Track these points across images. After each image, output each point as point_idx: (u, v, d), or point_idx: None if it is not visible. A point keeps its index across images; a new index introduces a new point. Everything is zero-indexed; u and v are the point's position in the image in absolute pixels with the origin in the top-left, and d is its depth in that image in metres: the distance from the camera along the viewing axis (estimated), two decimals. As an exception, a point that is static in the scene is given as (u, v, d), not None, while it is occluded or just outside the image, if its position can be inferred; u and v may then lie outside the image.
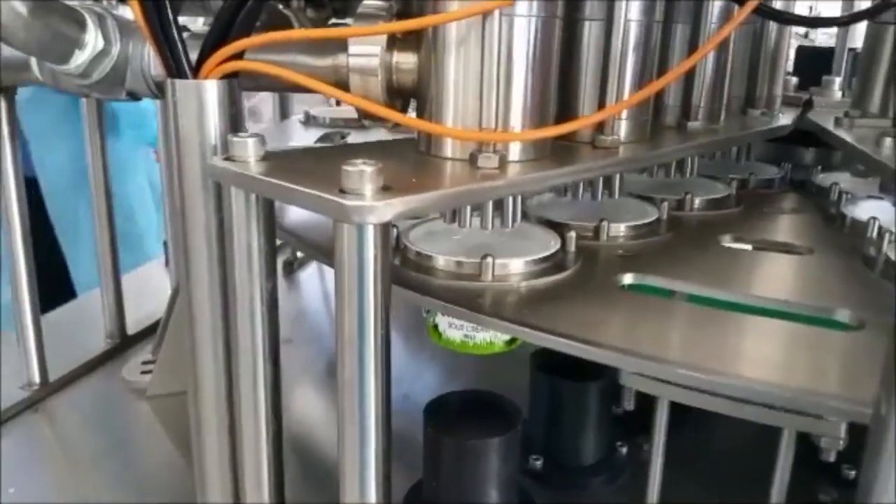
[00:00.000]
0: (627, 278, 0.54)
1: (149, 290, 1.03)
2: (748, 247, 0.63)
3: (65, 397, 0.82)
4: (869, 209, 0.70)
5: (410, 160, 0.50)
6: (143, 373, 0.85)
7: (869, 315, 0.47)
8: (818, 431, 0.43)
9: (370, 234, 0.39)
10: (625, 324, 0.47)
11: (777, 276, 0.58)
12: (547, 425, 0.68)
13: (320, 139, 0.83)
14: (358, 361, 0.41)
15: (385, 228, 0.39)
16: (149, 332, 0.94)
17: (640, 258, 0.58)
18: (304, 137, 0.89)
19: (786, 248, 0.62)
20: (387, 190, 0.39)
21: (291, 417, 0.74)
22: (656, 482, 0.53)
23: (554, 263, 0.54)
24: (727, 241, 0.64)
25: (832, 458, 0.55)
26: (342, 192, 0.39)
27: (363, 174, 0.38)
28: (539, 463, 0.68)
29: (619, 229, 0.62)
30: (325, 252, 0.54)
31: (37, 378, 0.82)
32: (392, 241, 0.55)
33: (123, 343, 0.92)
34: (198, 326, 0.51)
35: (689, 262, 0.58)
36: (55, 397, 0.82)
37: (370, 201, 0.38)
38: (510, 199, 0.49)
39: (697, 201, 0.72)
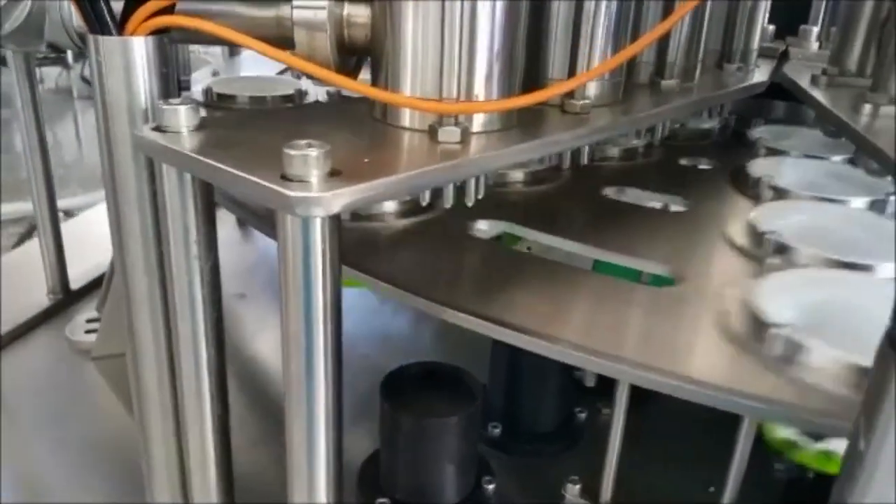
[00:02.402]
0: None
1: (94, 237, 0.98)
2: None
3: (5, 358, 0.78)
4: (771, 167, 0.66)
5: (365, 131, 0.45)
6: (88, 332, 0.81)
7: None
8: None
9: (317, 227, 0.35)
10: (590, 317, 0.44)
11: (629, 232, 0.55)
12: (506, 393, 0.66)
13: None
14: (305, 364, 0.38)
15: (334, 220, 0.36)
16: (94, 286, 0.90)
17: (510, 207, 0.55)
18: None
19: (664, 205, 0.60)
20: (335, 175, 0.35)
21: (253, 374, 0.73)
22: (615, 448, 0.52)
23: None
24: (610, 193, 0.61)
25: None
26: (285, 178, 0.34)
27: (307, 159, 0.34)
28: (497, 431, 0.67)
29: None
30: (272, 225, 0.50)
31: (-27, 339, 0.78)
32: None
33: (67, 299, 0.87)
34: (135, 309, 0.47)
35: (555, 211, 0.56)
36: (-6, 358, 0.78)
37: (316, 191, 0.34)
38: (472, 180, 0.45)
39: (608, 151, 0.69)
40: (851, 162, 0.69)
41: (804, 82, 0.73)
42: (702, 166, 0.73)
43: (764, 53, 0.85)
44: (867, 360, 0.28)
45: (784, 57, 0.88)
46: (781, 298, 0.41)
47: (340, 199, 0.34)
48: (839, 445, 0.40)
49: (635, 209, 0.61)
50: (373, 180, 0.36)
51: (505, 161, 0.44)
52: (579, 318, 0.44)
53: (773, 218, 0.51)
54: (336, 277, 0.37)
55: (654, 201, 0.61)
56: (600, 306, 0.45)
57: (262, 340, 0.79)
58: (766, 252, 0.49)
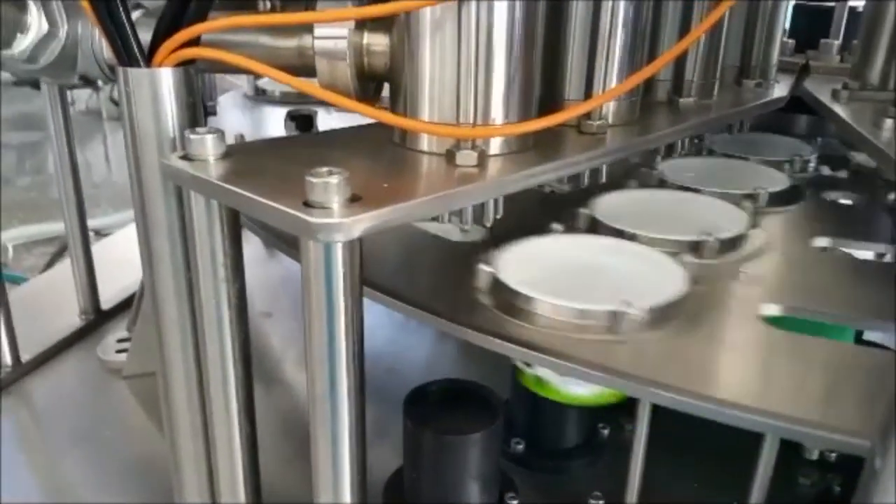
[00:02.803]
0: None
1: (124, 257, 1.00)
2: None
3: (38, 379, 0.80)
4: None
5: (384, 155, 0.47)
6: (119, 351, 0.83)
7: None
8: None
9: (338, 252, 0.36)
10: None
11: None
12: (529, 408, 0.67)
13: (289, 118, 0.79)
14: (329, 384, 0.39)
15: (355, 244, 0.37)
16: (125, 305, 0.92)
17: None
18: (260, 118, 0.85)
19: None
20: (356, 201, 0.36)
21: (279, 395, 0.74)
22: (638, 465, 0.52)
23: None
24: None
25: (814, 455, 0.55)
26: (307, 204, 0.36)
27: (328, 186, 0.35)
28: (521, 447, 0.67)
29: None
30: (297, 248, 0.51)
31: (8, 359, 0.80)
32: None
33: (98, 319, 0.89)
34: (166, 331, 0.48)
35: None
36: (28, 379, 0.80)
37: (337, 217, 0.35)
38: (490, 202, 0.45)
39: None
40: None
41: (825, 97, 0.73)
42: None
43: (784, 68, 0.85)
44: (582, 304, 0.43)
45: (804, 71, 0.88)
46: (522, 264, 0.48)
47: (360, 224, 0.35)
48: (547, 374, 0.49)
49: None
50: (392, 205, 0.37)
51: (522, 184, 0.45)
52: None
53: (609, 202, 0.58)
54: (357, 299, 0.38)
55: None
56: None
57: (288, 359, 0.81)
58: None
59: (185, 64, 0.44)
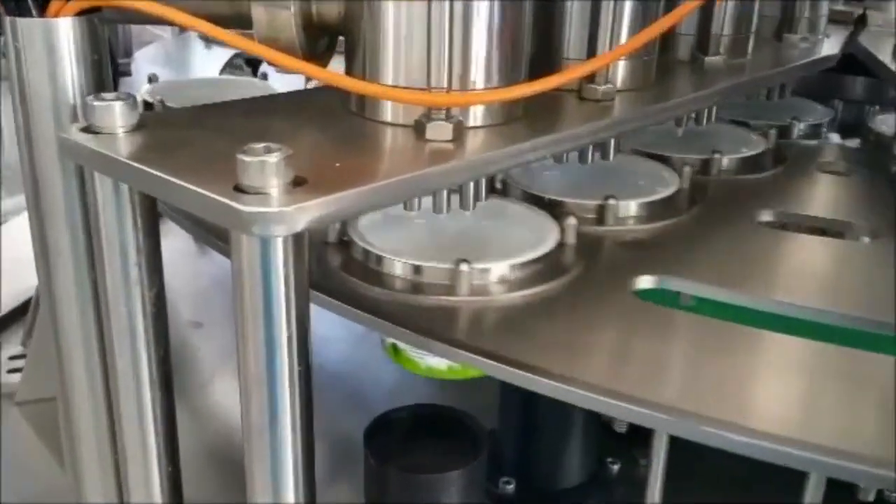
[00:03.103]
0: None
1: (23, 253, 0.99)
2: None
3: None
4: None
5: (337, 128, 0.46)
6: (12, 371, 0.82)
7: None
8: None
9: (278, 249, 0.36)
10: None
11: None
12: (521, 440, 0.67)
13: (226, 69, 0.79)
14: (268, 411, 0.39)
15: (299, 239, 0.37)
16: (19, 314, 0.91)
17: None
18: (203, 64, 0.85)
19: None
20: (300, 185, 0.36)
21: (208, 426, 0.74)
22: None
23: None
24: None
25: (871, 497, 0.56)
26: (239, 189, 0.36)
27: (265, 166, 0.35)
28: (511, 487, 0.67)
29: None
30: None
31: None
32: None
33: (-12, 329, 0.89)
34: (66, 347, 0.48)
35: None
36: None
37: (276, 205, 0.35)
38: (471, 184, 0.46)
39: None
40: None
41: (884, 55, 0.73)
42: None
43: (835, 19, 0.86)
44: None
45: (860, 23, 0.89)
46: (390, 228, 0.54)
47: (306, 214, 0.35)
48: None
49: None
50: (346, 190, 0.37)
51: (508, 162, 0.45)
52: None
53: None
54: (303, 306, 0.38)
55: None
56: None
57: (222, 380, 0.80)
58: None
59: (87, 13, 0.44)
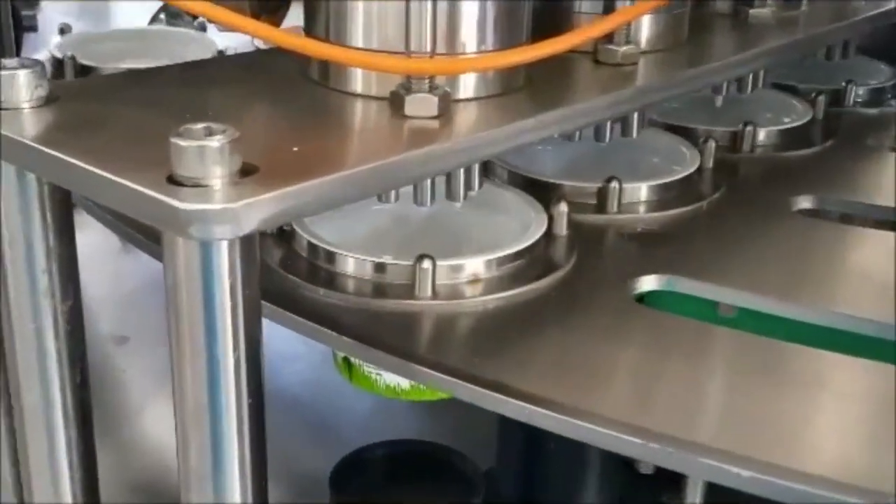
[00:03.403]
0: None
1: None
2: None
3: None
4: None
5: (294, 100, 0.47)
6: None
7: None
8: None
9: (222, 255, 0.36)
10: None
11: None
12: (524, 482, 0.68)
13: (158, 19, 0.78)
14: (210, 450, 0.39)
15: (248, 242, 0.37)
16: None
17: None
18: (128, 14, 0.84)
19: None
20: (250, 174, 0.36)
21: (137, 464, 0.74)
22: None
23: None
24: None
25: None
26: (173, 181, 0.36)
27: (206, 152, 0.35)
28: (512, 538, 0.68)
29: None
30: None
31: None
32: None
33: None
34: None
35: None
36: None
37: (220, 202, 0.34)
38: (461, 171, 0.46)
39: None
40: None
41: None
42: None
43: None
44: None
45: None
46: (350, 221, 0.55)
47: (257, 211, 0.35)
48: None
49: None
50: (306, 180, 0.37)
51: (508, 143, 0.45)
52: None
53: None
54: (254, 325, 0.38)
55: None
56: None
57: (155, 407, 0.81)
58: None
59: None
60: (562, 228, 0.55)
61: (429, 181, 0.46)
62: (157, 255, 0.50)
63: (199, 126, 0.36)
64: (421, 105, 0.44)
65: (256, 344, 0.39)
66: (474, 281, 0.50)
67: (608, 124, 0.55)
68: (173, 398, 0.39)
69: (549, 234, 0.54)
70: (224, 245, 0.36)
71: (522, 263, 0.52)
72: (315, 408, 0.82)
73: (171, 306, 0.37)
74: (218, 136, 0.35)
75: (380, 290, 0.49)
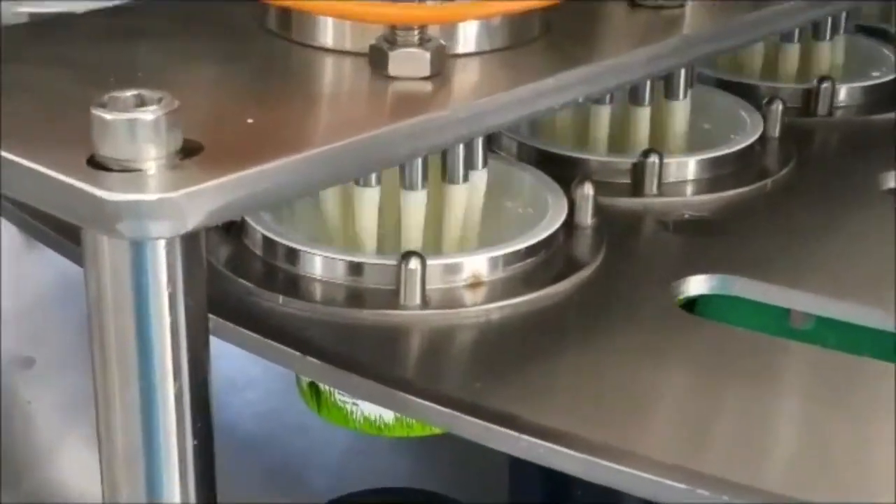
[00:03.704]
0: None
1: None
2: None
3: None
4: None
5: (249, 57, 0.47)
6: None
7: None
8: None
9: (159, 258, 0.36)
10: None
11: None
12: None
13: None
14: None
15: (192, 242, 0.37)
16: None
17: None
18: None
19: None
20: (193, 155, 0.37)
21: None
22: None
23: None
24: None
25: None
26: (95, 163, 0.36)
27: (137, 126, 0.35)
28: None
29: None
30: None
31: None
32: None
33: None
34: None
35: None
36: None
37: (155, 191, 0.35)
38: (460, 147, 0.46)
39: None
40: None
41: None
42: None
43: None
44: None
45: None
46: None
47: (203, 202, 0.35)
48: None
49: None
50: (265, 162, 0.37)
51: (521, 110, 0.46)
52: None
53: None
54: (199, 343, 0.39)
55: None
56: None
57: (71, 451, 0.81)
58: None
59: None
60: (586, 216, 0.55)
61: (420, 160, 0.46)
62: (76, 258, 0.50)
63: (128, 94, 0.36)
64: (409, 63, 0.44)
65: (203, 369, 0.39)
66: (475, 284, 0.50)
67: (647, 84, 0.55)
68: (98, 438, 0.39)
69: (570, 224, 0.55)
70: (161, 245, 0.36)
71: (537, 261, 0.52)
72: (274, 449, 0.82)
73: (93, 322, 0.38)
74: (152, 107, 0.36)
75: (356, 298, 0.49)
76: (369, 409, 0.55)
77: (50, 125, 0.39)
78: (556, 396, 0.45)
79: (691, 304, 0.53)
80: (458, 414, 0.42)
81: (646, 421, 0.44)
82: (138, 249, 0.36)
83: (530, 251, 0.52)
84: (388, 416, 0.55)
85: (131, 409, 0.38)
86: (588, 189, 0.55)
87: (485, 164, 0.50)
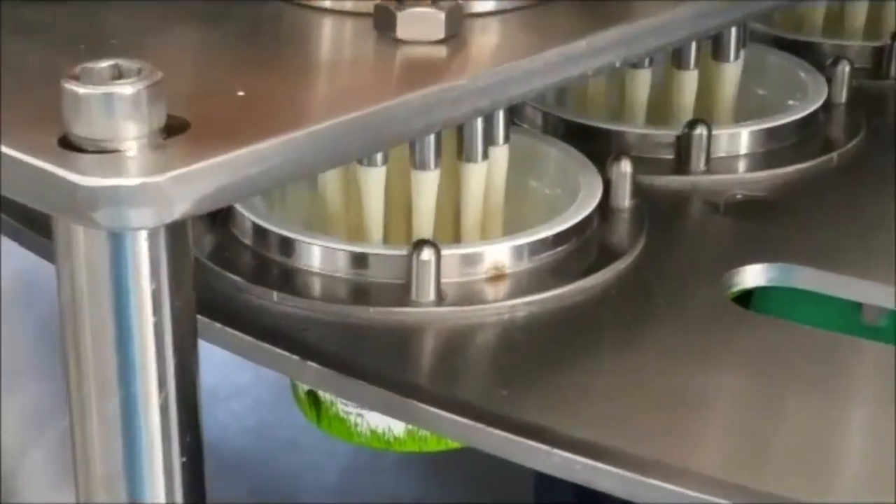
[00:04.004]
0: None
1: None
2: None
3: None
4: None
5: (237, 18, 0.48)
6: None
7: None
8: None
9: (141, 252, 0.37)
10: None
11: None
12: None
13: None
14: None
15: (176, 232, 0.38)
16: None
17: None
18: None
19: None
20: (178, 133, 0.37)
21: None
22: None
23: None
24: None
25: None
26: (67, 144, 0.36)
27: (115, 101, 0.36)
28: None
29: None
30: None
31: None
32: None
33: None
34: None
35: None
36: None
37: (136, 174, 0.35)
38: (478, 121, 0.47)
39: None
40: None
41: None
42: None
43: None
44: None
45: None
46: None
47: (191, 187, 0.36)
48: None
49: None
50: (259, 141, 0.38)
51: (548, 78, 0.46)
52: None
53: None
54: (187, 347, 0.39)
55: None
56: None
57: (34, 472, 0.81)
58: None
59: None
60: (624, 197, 0.56)
61: (432, 136, 0.47)
62: (44, 251, 0.51)
63: (104, 64, 0.37)
64: (420, 24, 0.45)
65: (191, 376, 0.40)
66: (497, 277, 0.51)
67: (693, 44, 0.56)
68: (73, 457, 0.40)
69: (605, 206, 0.55)
70: (143, 237, 0.37)
71: (568, 250, 0.53)
72: (264, 467, 0.83)
73: (66, 325, 0.38)
74: (131, 79, 0.36)
75: (361, 293, 0.50)
76: (376, 421, 0.56)
77: (13, 100, 0.39)
78: (592, 405, 0.45)
79: (746, 298, 0.54)
80: (479, 425, 0.43)
81: (693, 431, 0.45)
82: (117, 241, 0.37)
83: (559, 239, 0.53)
84: (399, 428, 0.56)
85: (111, 422, 0.39)
86: (625, 166, 0.55)
87: (506, 138, 0.51)
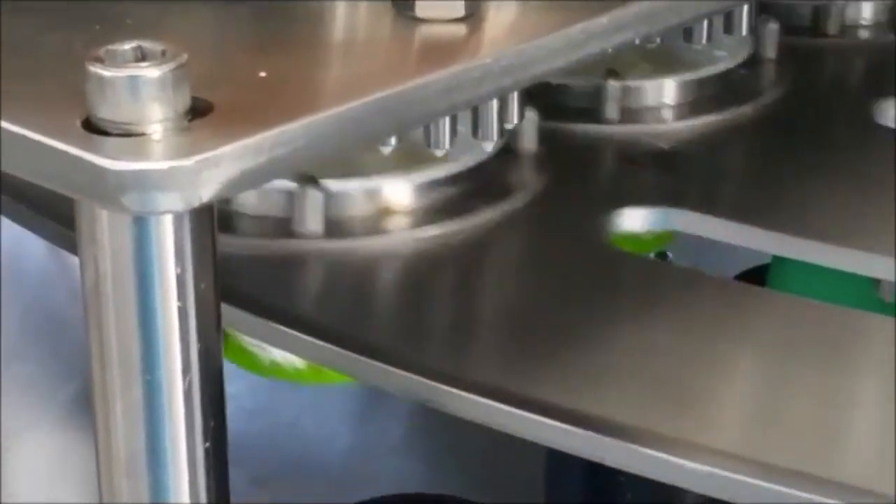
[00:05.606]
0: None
1: None
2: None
3: None
4: None
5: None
6: None
7: None
8: None
9: (166, 236, 0.37)
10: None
11: None
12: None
13: None
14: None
15: (203, 217, 0.38)
16: None
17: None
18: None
19: None
20: (203, 115, 0.38)
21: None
22: None
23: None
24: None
25: None
26: (92, 127, 0.36)
27: (140, 84, 0.36)
28: None
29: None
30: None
31: None
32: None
33: None
34: None
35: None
36: None
37: (162, 157, 0.35)
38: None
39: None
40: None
41: None
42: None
43: None
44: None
45: None
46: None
47: (219, 170, 0.36)
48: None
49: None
50: (287, 123, 0.38)
51: (569, 56, 0.46)
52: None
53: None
54: (211, 332, 0.40)
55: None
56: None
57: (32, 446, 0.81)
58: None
59: None
60: (532, 142, 0.60)
61: (448, 118, 0.47)
62: (64, 240, 0.51)
63: (128, 46, 0.37)
64: (440, 2, 0.45)
65: (215, 361, 0.40)
66: (388, 212, 0.55)
67: (704, 22, 0.56)
68: (95, 443, 0.40)
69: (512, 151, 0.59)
70: (168, 221, 0.37)
71: (463, 190, 0.56)
72: (263, 452, 0.83)
73: (90, 312, 0.39)
74: (158, 61, 0.36)
75: (249, 225, 0.53)
76: (279, 353, 0.57)
77: (30, 82, 0.39)
78: (455, 335, 0.49)
79: (761, 276, 0.54)
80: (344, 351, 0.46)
81: (701, 405, 0.46)
82: (142, 225, 0.37)
83: (455, 178, 0.56)
84: (299, 360, 0.57)
85: (134, 409, 0.39)
86: (532, 115, 0.59)
87: (522, 116, 0.51)
